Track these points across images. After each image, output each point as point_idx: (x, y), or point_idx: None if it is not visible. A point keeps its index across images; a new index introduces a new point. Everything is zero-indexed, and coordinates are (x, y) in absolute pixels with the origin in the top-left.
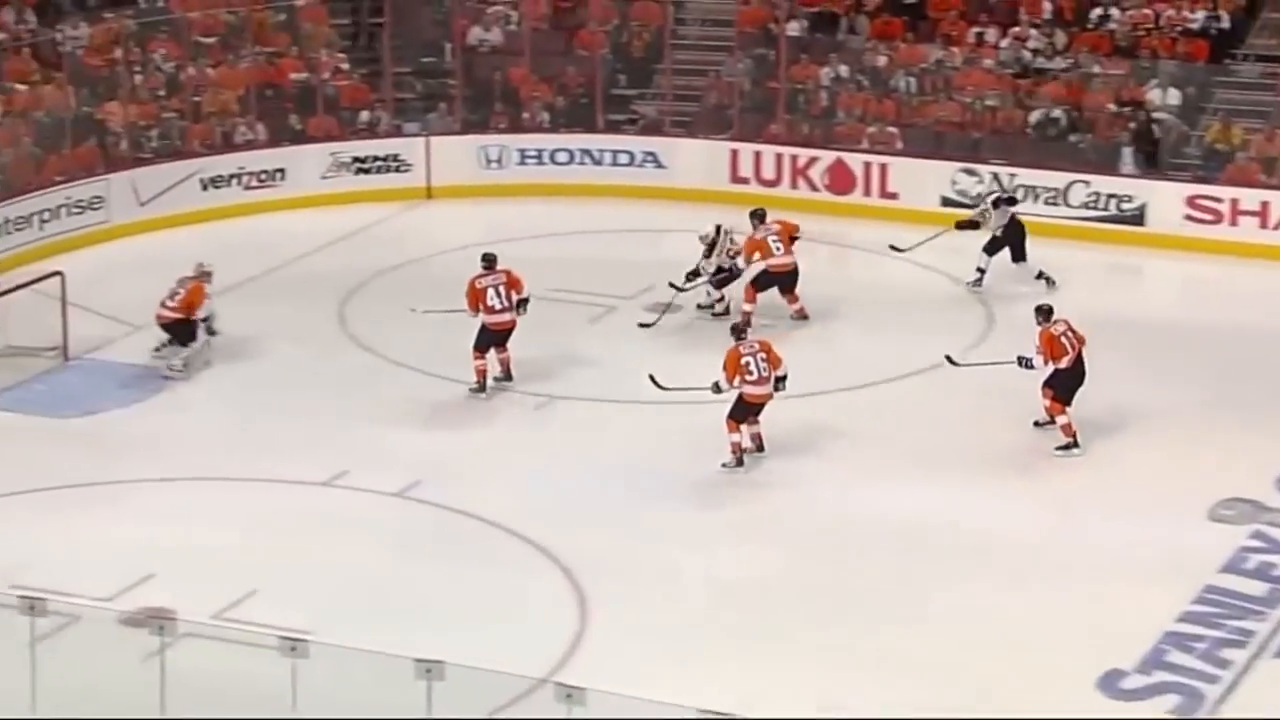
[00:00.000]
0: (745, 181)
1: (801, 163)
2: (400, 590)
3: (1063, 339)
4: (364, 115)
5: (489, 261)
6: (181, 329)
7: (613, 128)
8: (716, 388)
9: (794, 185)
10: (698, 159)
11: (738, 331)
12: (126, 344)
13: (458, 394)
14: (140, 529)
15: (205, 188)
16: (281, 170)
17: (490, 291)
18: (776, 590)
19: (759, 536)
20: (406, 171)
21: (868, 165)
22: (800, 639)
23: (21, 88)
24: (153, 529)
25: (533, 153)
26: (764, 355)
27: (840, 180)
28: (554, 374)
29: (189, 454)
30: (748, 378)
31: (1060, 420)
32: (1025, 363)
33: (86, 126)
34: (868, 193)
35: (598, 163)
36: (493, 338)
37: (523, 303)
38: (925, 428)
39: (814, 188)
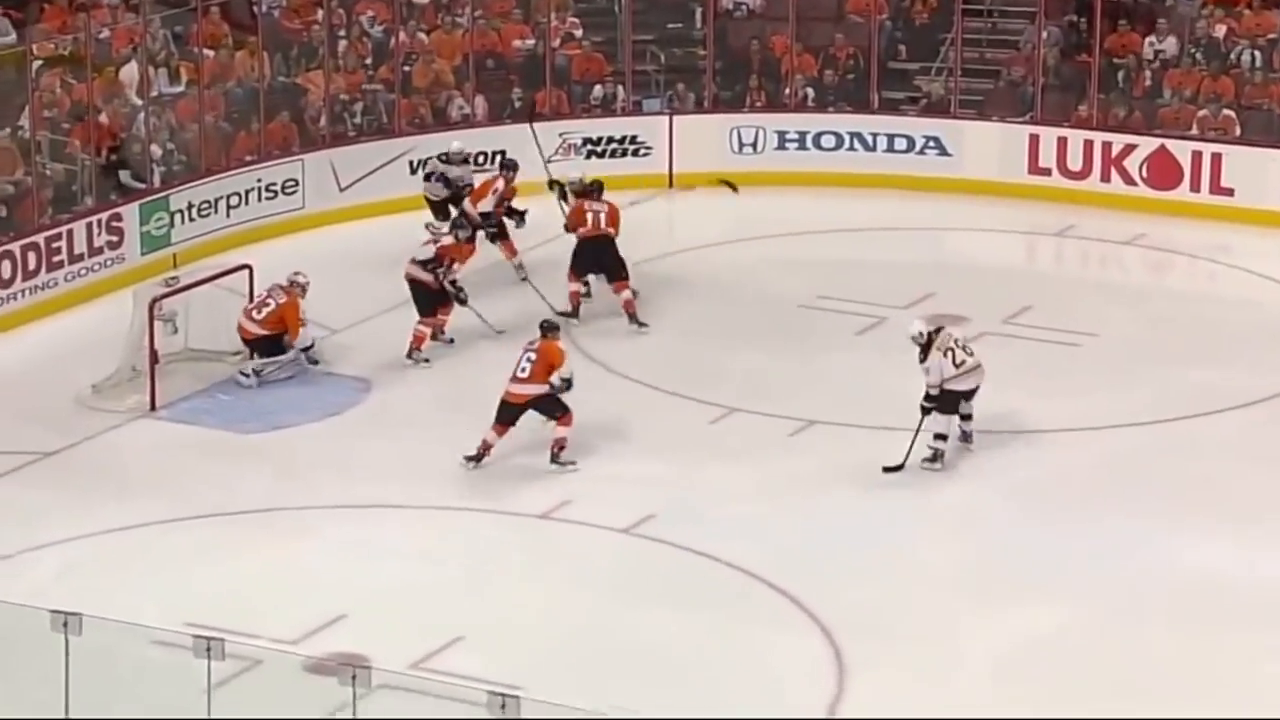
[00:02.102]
0: (1046, 173)
1: (1116, 151)
2: (625, 642)
3: None
4: (598, 90)
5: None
6: (266, 347)
7: (890, 107)
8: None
9: (1105, 178)
10: (990, 145)
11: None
12: (321, 349)
13: (698, 415)
14: (331, 563)
15: (414, 170)
16: (502, 152)
17: (590, 217)
18: (1068, 657)
19: (1049, 593)
20: (645, 156)
21: (1197, 155)
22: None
23: (210, 54)
24: (345, 564)
25: (793, 136)
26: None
27: (1163, 172)
28: (813, 394)
29: (387, 477)
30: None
31: None
32: None
33: (282, 99)
34: (1196, 188)
35: (870, 148)
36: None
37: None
38: (1252, 471)
39: (1130, 181)
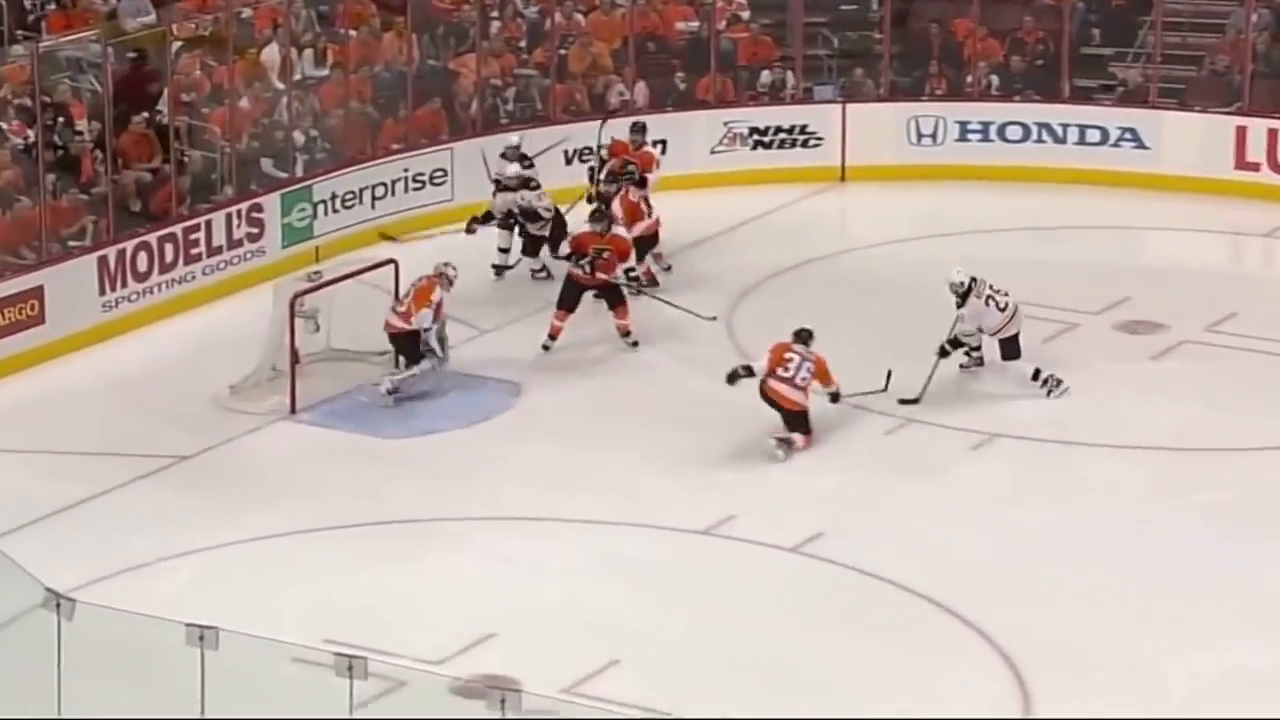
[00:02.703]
0: (1254, 168)
1: None
2: (790, 669)
3: None
4: (766, 76)
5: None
6: (408, 344)
7: (1082, 96)
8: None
9: None
10: (1193, 138)
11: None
12: (472, 350)
13: (873, 426)
14: (479, 578)
15: (570, 161)
16: (662, 142)
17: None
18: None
19: (1257, 624)
20: (816, 147)
21: None
22: None
23: (355, 34)
24: (494, 580)
25: (976, 126)
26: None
27: None
28: (995, 406)
29: (538, 487)
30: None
31: None
32: None
33: (430, 84)
34: None
35: (1060, 140)
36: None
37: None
38: None
39: None
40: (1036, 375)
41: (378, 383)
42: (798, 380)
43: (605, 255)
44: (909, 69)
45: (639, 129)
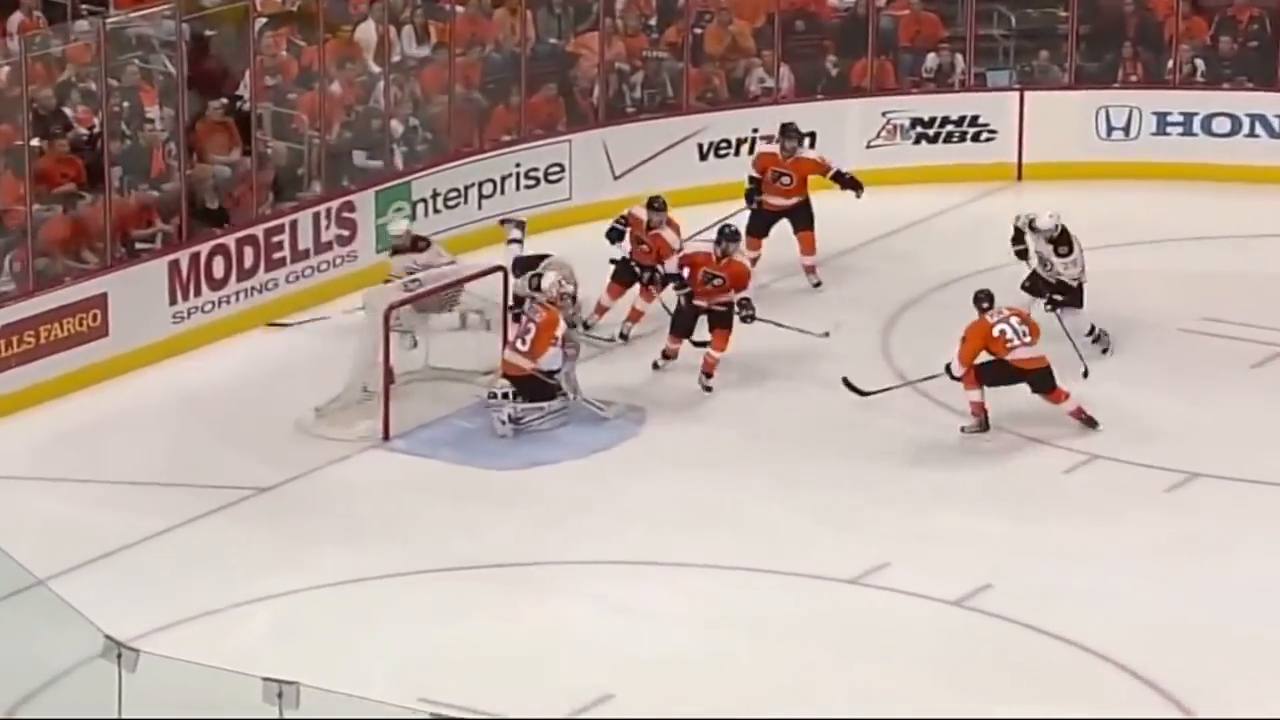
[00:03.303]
0: None
1: None
2: None
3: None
4: (931, 59)
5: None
6: (534, 386)
7: None
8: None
9: None
10: None
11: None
12: (591, 371)
13: (1051, 461)
14: (594, 631)
15: (704, 156)
16: (812, 135)
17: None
18: None
19: None
20: (988, 141)
21: None
22: None
23: (462, 10)
24: (611, 632)
25: (1177, 118)
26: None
27: None
28: (1196, 440)
29: (662, 527)
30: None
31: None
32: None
33: (547, 67)
34: None
35: (1276, 135)
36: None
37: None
38: None
39: None
40: (1091, 330)
41: (492, 401)
42: (1023, 340)
43: (716, 282)
44: (1098, 52)
45: (657, 206)
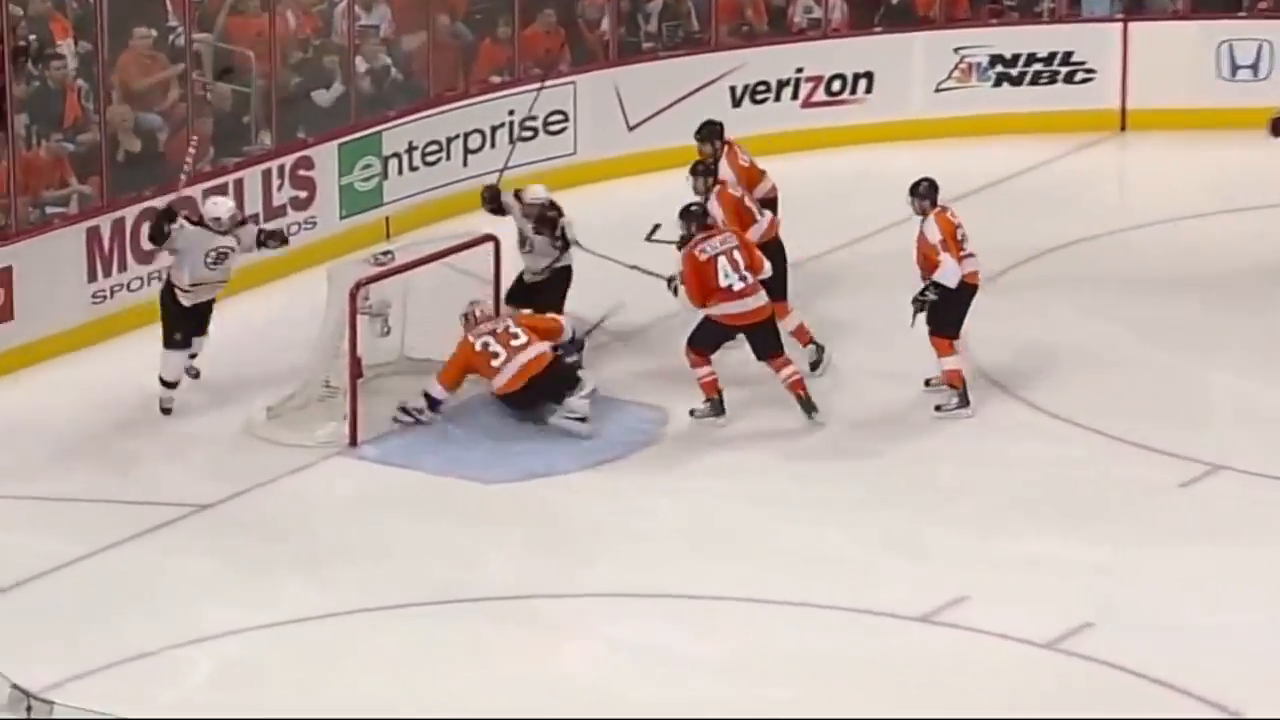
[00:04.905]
0: None
1: None
2: None
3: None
4: None
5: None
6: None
7: None
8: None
9: None
10: None
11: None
12: (610, 360)
13: (1163, 473)
14: (607, 678)
15: (738, 102)
16: (867, 76)
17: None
18: None
19: None
20: (1085, 83)
21: None
22: None
23: None
24: (626, 679)
25: None
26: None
27: None
28: None
29: (693, 552)
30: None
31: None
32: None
33: None
34: None
35: None
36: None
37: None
38: None
39: None
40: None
41: (581, 403)
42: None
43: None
44: None
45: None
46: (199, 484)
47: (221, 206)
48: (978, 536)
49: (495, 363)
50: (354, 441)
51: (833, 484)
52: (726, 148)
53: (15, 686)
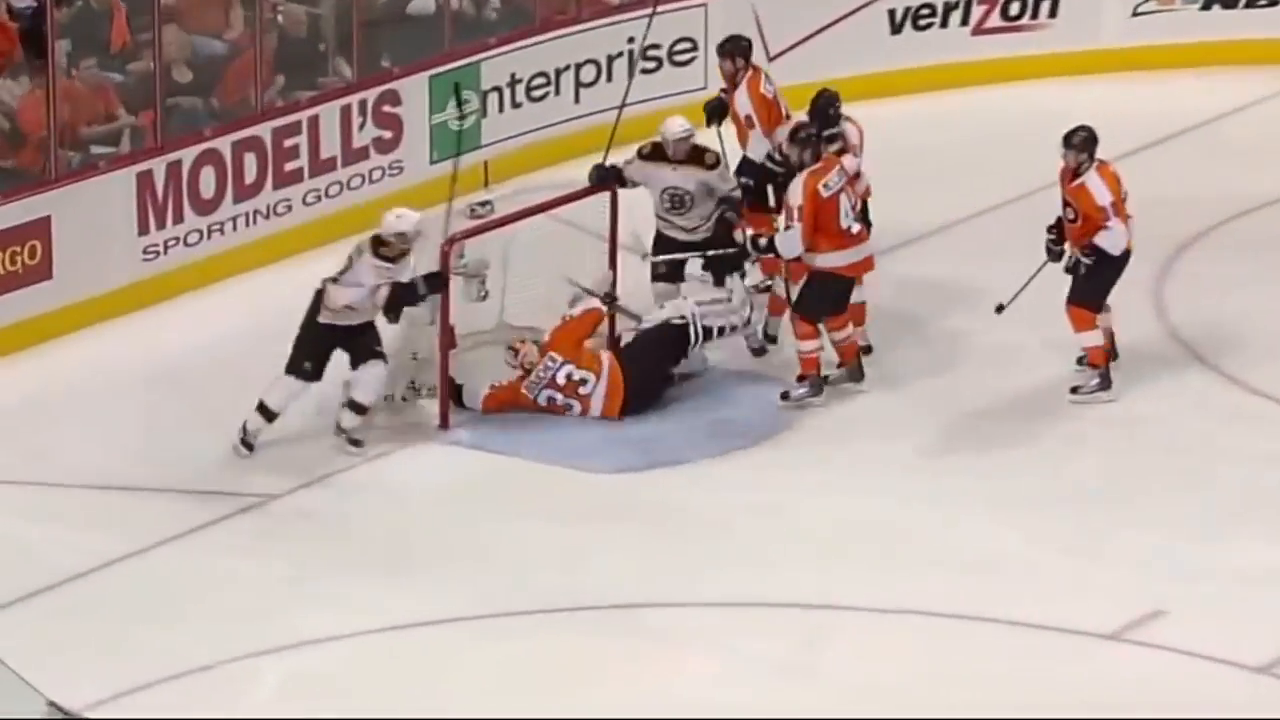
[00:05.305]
0: None
1: None
2: None
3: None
4: None
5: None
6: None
7: None
8: None
9: None
10: None
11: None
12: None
13: None
14: (734, 695)
15: (898, 28)
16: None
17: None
18: None
19: None
20: None
21: None
22: None
23: None
24: (757, 694)
25: None
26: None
27: None
28: None
29: (834, 555)
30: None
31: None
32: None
33: None
34: None
35: None
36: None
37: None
38: None
39: None
40: None
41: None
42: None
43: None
44: None
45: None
46: (264, 473)
47: (407, 220)
48: (1171, 541)
49: (573, 413)
50: (444, 424)
51: (998, 476)
52: (751, 71)
53: (52, 704)
